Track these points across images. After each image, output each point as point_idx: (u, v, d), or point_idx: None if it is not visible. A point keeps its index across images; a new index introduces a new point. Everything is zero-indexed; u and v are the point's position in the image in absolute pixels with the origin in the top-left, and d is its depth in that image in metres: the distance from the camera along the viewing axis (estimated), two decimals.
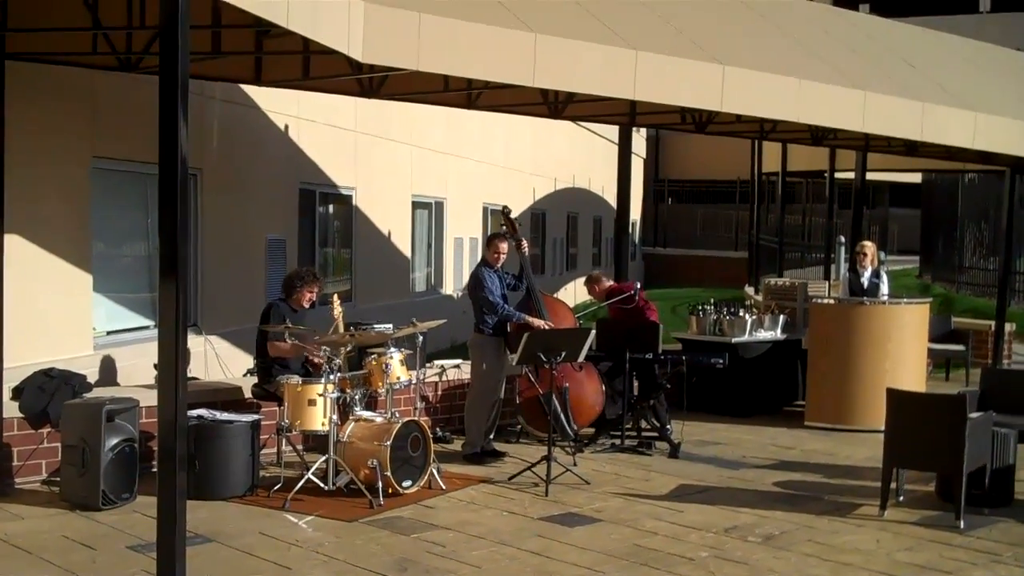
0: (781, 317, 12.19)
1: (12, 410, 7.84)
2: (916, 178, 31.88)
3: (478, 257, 20.70)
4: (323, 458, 7.73)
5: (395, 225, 16.21)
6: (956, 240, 25.40)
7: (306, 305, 8.60)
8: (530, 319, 9.05)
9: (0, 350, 7.64)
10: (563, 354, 8.32)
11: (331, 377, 7.75)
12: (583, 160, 30.06)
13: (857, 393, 10.94)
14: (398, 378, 8.13)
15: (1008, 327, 16.52)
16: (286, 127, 12.65)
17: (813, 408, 11.19)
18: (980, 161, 15.70)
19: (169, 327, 5.34)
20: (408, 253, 16.85)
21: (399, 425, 7.78)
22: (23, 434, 7.91)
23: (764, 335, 11.92)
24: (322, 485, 7.70)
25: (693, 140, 46.07)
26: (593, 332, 8.52)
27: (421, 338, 8.41)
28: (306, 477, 7.64)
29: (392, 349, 8.18)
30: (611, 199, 33.73)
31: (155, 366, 9.39)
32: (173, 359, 5.32)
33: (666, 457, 9.48)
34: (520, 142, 23.03)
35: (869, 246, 12.37)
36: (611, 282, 10.75)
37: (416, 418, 8.09)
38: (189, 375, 9.76)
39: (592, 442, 9.75)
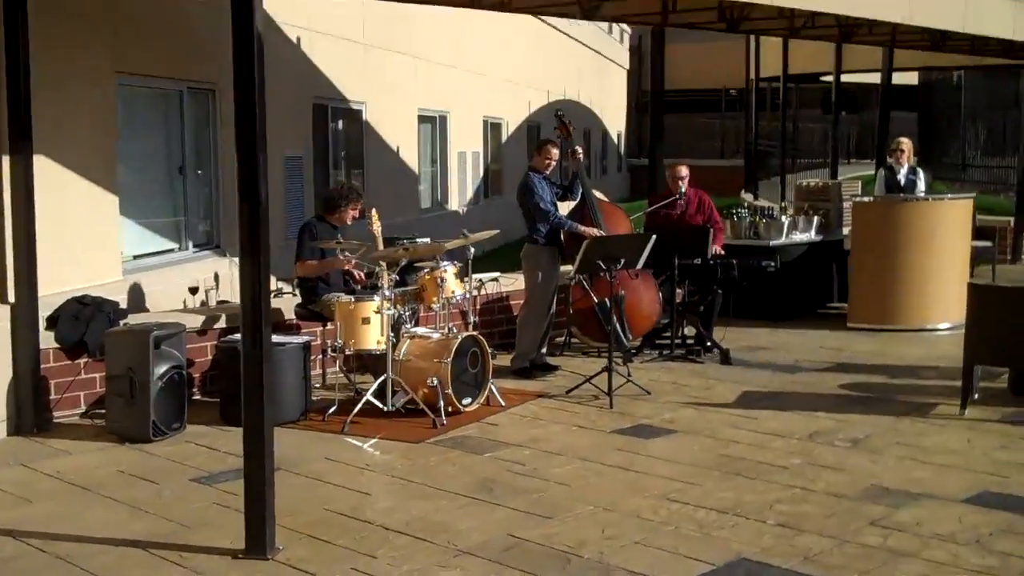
0: (815, 218, 11.83)
1: (48, 340, 7.41)
2: (906, 79, 31.42)
3: (481, 172, 20.27)
4: (382, 378, 7.35)
5: (403, 140, 15.71)
6: (959, 138, 25.07)
7: (349, 222, 8.19)
8: (583, 228, 8.65)
9: (34, 279, 7.19)
10: (622, 261, 7.95)
11: (386, 293, 7.34)
12: (573, 72, 29.49)
13: (901, 292, 10.64)
14: (452, 292, 7.73)
15: None
16: (298, 40, 12.08)
17: (856, 309, 10.88)
18: (1002, 55, 15.30)
19: (248, 249, 4.95)
20: (416, 168, 16.38)
21: (458, 341, 7.41)
22: (59, 365, 7.50)
23: (800, 237, 11.57)
24: (380, 405, 7.33)
25: (676, 50, 44.91)
26: (653, 237, 8.12)
27: (472, 250, 7.99)
28: (365, 398, 7.27)
29: (445, 262, 7.77)
30: (598, 111, 33.17)
31: (191, 290, 9.06)
32: (254, 281, 4.94)
33: (718, 364, 9.16)
34: (515, 54, 22.45)
35: (906, 142, 11.98)
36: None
37: (474, 332, 7.72)
38: (219, 299, 9.37)
39: (639, 352, 9.40)
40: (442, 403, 7.25)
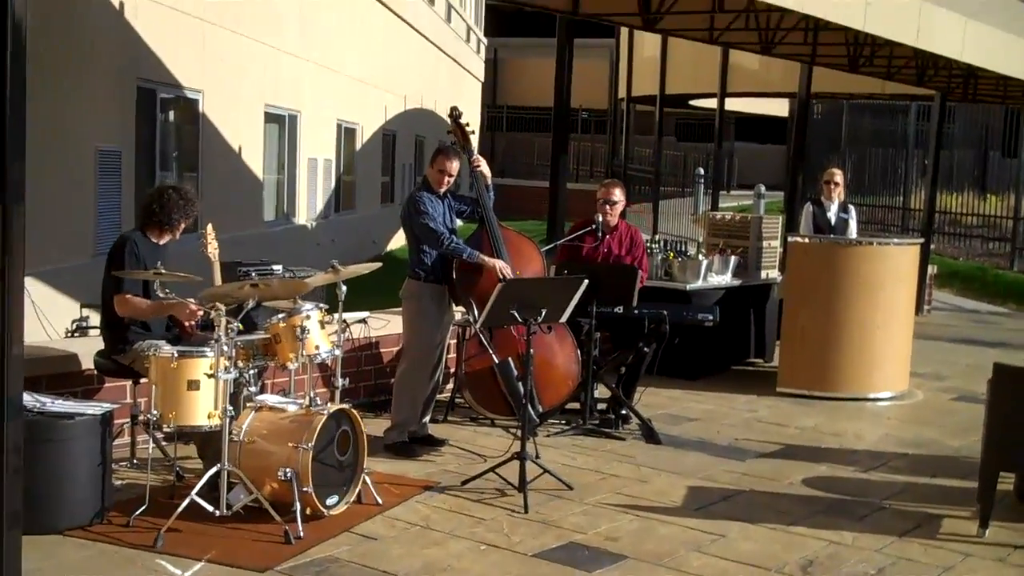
0: (732, 258, 10.11)
1: None
2: (763, 109, 30.59)
3: (332, 183, 18.11)
4: (214, 469, 5.21)
5: (246, 140, 13.45)
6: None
7: (177, 237, 6.03)
8: (485, 258, 6.71)
9: None
10: (543, 312, 6.00)
11: (225, 347, 5.21)
12: (430, 78, 27.50)
13: (842, 355, 8.97)
14: (317, 348, 5.64)
15: (930, 270, 15.10)
16: (120, 5, 9.77)
17: (788, 371, 9.13)
18: (915, 84, 14.13)
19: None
20: (260, 175, 14.12)
21: (324, 417, 5.33)
22: None
23: (717, 280, 9.83)
24: (209, 508, 5.19)
25: (531, 65, 43.87)
26: (585, 283, 6.19)
27: (344, 289, 5.90)
28: (189, 498, 5.12)
29: (307, 305, 5.68)
30: None
31: None
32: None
33: (642, 441, 7.31)
34: (371, 50, 20.33)
35: (839, 174, 10.45)
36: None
37: (345, 405, 5.64)
38: None
39: (542, 421, 7.44)
40: (298, 505, 5.17)
